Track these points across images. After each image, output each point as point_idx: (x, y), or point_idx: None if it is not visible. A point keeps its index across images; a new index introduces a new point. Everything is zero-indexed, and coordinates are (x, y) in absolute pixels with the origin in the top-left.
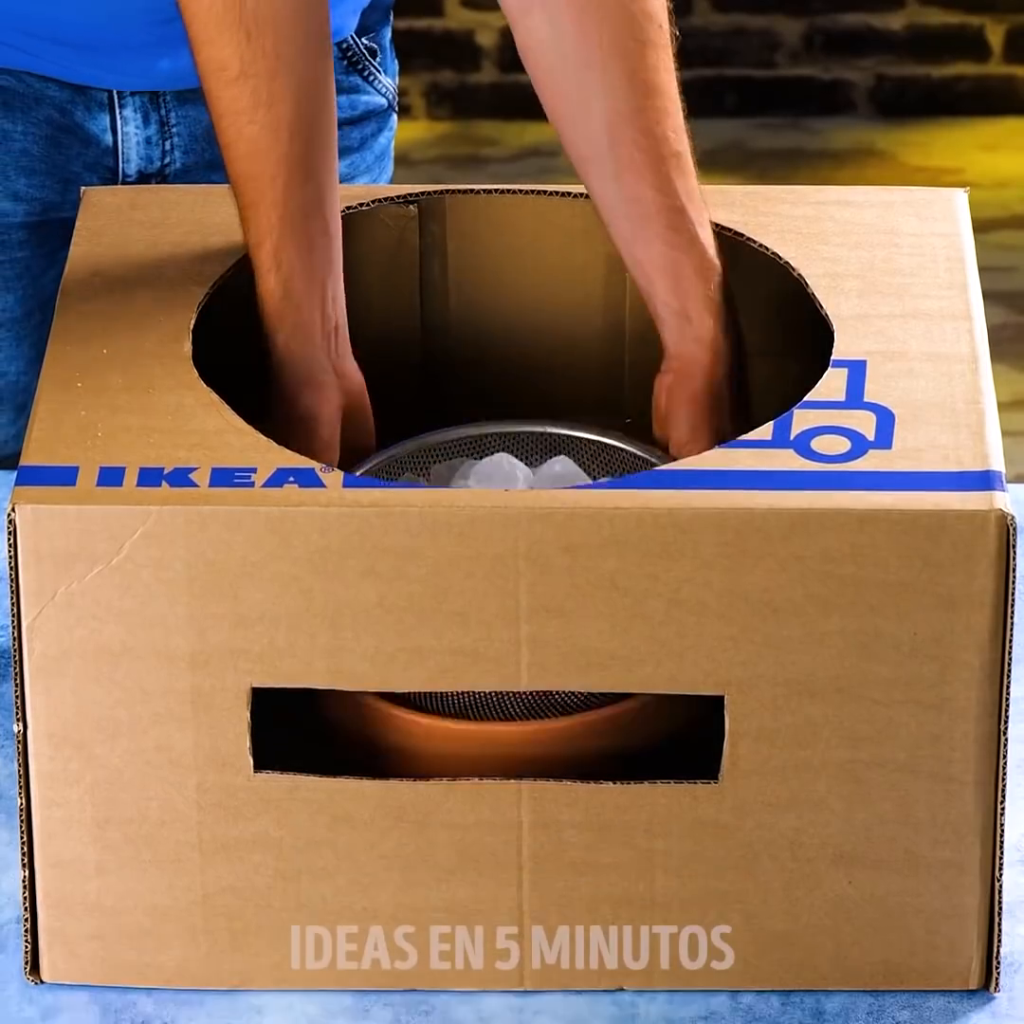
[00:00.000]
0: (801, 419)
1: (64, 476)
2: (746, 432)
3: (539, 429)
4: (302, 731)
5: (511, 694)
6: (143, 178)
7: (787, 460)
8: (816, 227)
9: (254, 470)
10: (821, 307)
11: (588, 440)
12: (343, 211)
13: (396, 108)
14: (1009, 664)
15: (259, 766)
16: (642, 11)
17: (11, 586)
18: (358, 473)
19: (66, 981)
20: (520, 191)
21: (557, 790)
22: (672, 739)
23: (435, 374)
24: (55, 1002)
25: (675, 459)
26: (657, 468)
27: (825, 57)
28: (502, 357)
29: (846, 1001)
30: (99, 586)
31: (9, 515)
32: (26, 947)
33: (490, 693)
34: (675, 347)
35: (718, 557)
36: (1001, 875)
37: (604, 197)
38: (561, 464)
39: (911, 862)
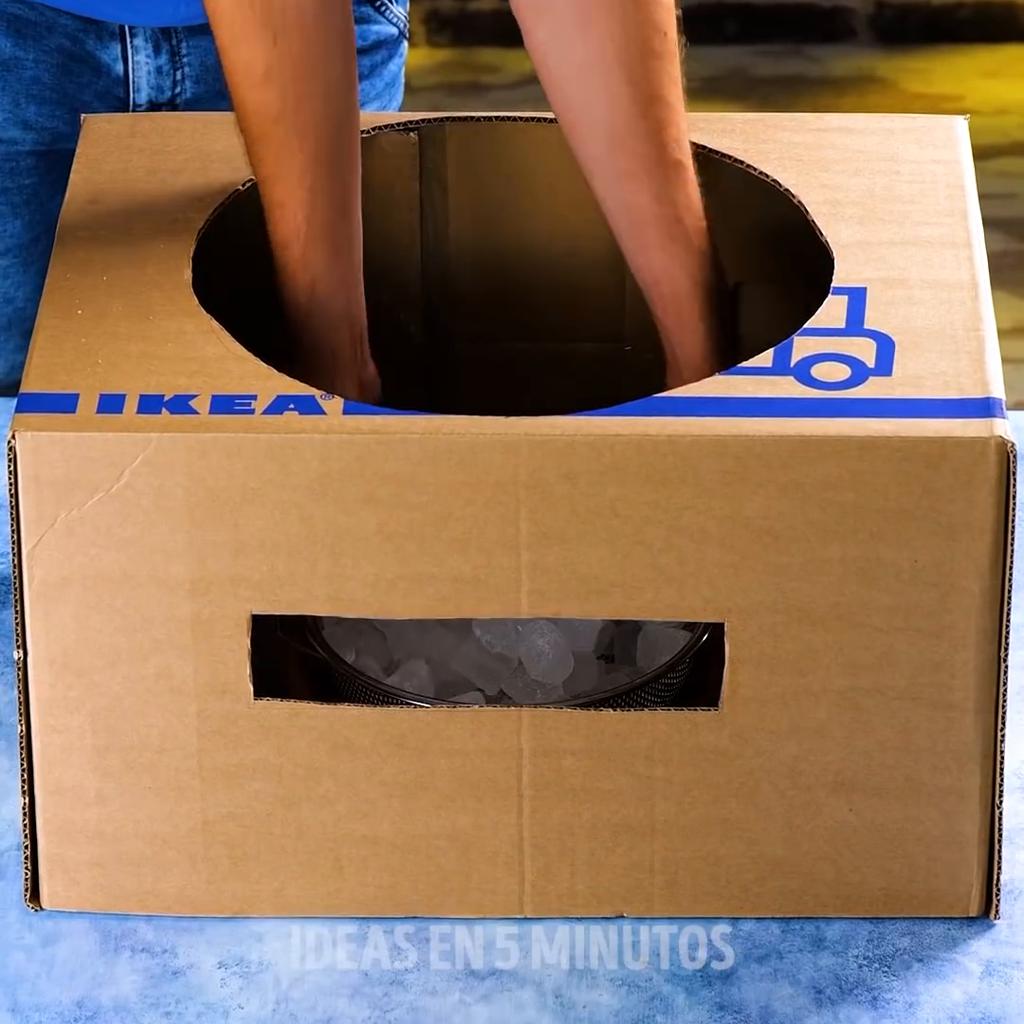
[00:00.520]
0: (801, 346)
1: (64, 403)
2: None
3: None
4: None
5: None
6: (154, 107)
7: (787, 387)
8: (816, 154)
9: (254, 397)
10: (821, 234)
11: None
12: None
13: (407, 35)
14: (1009, 591)
15: (259, 693)
16: (649, 21)
17: (11, 513)
18: None
19: (66, 908)
20: (521, 118)
21: (557, 717)
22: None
23: (435, 300)
24: (55, 929)
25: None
26: (657, 395)
27: None
28: (503, 284)
29: (846, 928)
30: (99, 513)
31: (9, 442)
32: (26, 874)
33: None
34: (670, 360)
35: (718, 484)
36: (1001, 802)
37: (606, 203)
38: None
39: (911, 789)
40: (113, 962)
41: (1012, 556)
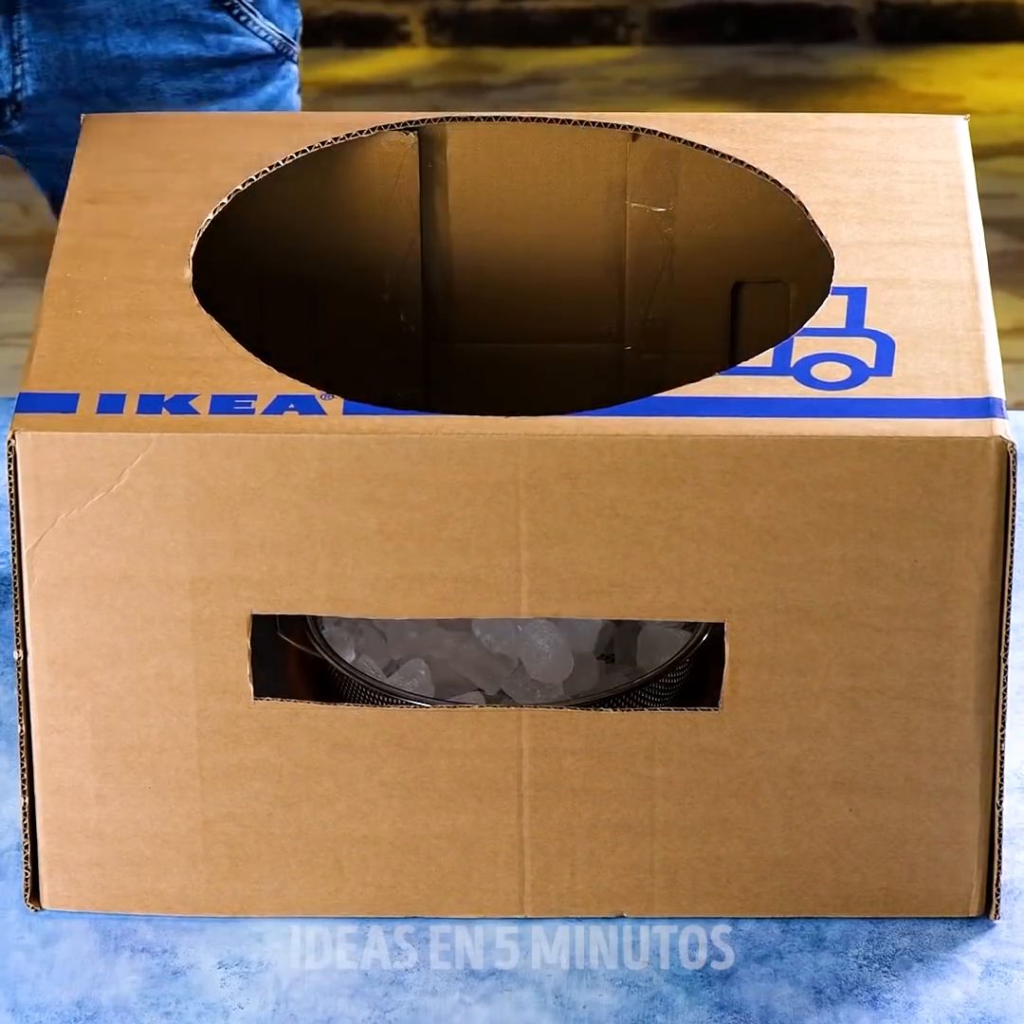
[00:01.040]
0: (801, 346)
1: (64, 403)
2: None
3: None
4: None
5: None
6: None
7: (787, 387)
8: (817, 154)
9: (254, 397)
10: (821, 234)
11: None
12: (343, 138)
13: (291, 58)
14: (1009, 591)
15: (259, 693)
16: None
17: (11, 513)
18: None
19: (66, 908)
20: (521, 118)
21: (557, 717)
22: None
23: (435, 300)
24: (55, 929)
25: None
26: (657, 395)
27: None
28: (502, 284)
29: (846, 928)
30: (99, 513)
31: (9, 442)
32: (26, 874)
33: None
34: None
35: (718, 484)
36: (1001, 802)
37: None
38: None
39: (911, 789)
40: (113, 962)
41: (1012, 556)
